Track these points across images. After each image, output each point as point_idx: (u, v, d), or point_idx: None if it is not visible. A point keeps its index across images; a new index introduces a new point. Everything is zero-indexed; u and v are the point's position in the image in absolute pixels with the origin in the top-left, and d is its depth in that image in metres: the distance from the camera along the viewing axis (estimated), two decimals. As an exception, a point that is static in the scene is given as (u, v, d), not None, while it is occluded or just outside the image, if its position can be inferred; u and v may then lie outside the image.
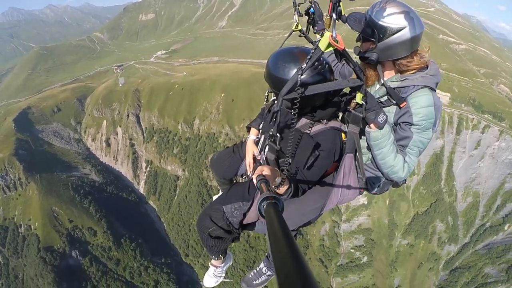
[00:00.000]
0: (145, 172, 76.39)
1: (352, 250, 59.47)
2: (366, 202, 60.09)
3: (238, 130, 64.42)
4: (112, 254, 56.12)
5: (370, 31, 1.97)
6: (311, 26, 2.06)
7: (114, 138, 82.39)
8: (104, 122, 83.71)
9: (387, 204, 60.56)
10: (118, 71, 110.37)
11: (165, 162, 73.39)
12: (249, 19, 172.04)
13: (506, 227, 56.11)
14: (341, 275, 58.05)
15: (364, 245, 59.04)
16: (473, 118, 60.14)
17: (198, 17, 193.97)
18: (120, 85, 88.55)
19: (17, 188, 60.76)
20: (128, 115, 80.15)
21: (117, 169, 79.39)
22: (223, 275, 3.01)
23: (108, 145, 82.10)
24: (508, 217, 56.11)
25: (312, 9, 1.99)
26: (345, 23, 1.87)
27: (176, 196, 69.07)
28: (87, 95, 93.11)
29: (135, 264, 56.56)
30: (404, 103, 2.01)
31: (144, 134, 78.21)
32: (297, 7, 1.97)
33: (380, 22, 1.91)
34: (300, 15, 2.01)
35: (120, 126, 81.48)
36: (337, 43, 1.55)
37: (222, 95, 68.16)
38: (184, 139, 71.53)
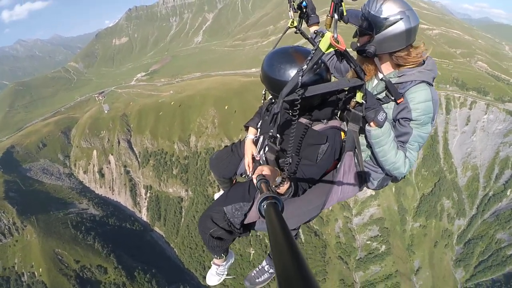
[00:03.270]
0: (145, 199, 71.50)
1: (368, 242, 57.76)
2: (373, 193, 58.56)
3: (238, 141, 61.24)
4: (127, 290, 51.00)
5: (367, 24, 1.88)
6: (303, 20, 2.05)
7: (107, 167, 76.89)
8: (94, 152, 78.16)
9: (394, 191, 59.63)
10: (100, 98, 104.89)
11: (166, 185, 68.95)
12: (224, 32, 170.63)
13: (508, 193, 57.69)
14: (362, 268, 56.22)
15: (380, 234, 57.50)
16: (460, 97, 60.84)
17: (173, 35, 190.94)
18: (106, 111, 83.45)
19: (13, 234, 55.15)
20: (119, 142, 75.21)
21: (115, 200, 74.08)
22: (225, 273, 2.92)
23: (102, 175, 76.49)
24: (508, 183, 57.38)
25: (304, 3, 1.99)
26: (347, 23, 1.75)
27: (182, 219, 64.95)
28: (71, 127, 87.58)
29: (153, 297, 51.72)
30: (401, 99, 1.92)
31: (139, 159, 73.52)
32: (292, 3, 1.90)
33: (376, 14, 1.84)
34: (295, 11, 1.93)
35: (112, 154, 76.30)
36: (338, 43, 1.52)
37: (226, 107, 64.76)
38: (182, 158, 67.51)
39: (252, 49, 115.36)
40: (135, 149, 74.37)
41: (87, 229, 57.91)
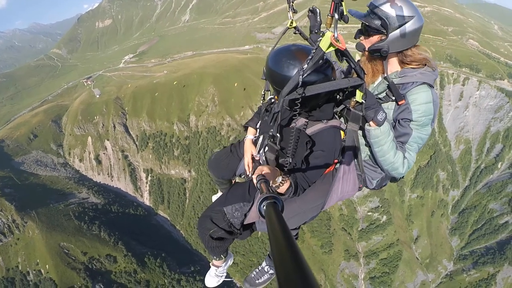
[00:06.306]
0: (146, 182, 66.42)
1: (369, 213, 57.07)
2: (372, 166, 56.67)
3: (240, 119, 57.28)
4: (139, 276, 47.74)
5: (380, 22, 1.75)
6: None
7: (104, 153, 70.35)
8: (89, 138, 71.09)
9: (391, 164, 57.89)
10: (89, 83, 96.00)
11: (167, 167, 63.93)
12: (212, 9, 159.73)
13: (499, 165, 58.79)
14: (365, 239, 55.93)
15: (380, 205, 56.65)
16: (453, 73, 59.69)
17: (158, 15, 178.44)
18: (97, 96, 75.68)
19: (13, 232, 49.99)
20: (114, 126, 68.67)
21: (115, 186, 68.52)
22: (224, 274, 2.75)
23: (99, 162, 70.14)
24: (499, 156, 58.37)
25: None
26: (346, 23, 1.65)
27: (187, 200, 60.72)
28: (61, 115, 79.49)
29: (166, 281, 48.93)
30: (403, 100, 1.82)
31: (137, 143, 67.72)
32: (291, 4, 1.84)
33: (390, 13, 1.70)
34: (294, 12, 1.84)
35: (107, 140, 69.87)
36: (338, 43, 1.46)
37: (236, 84, 59.31)
38: (183, 139, 62.50)
39: (243, 26, 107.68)
40: (131, 132, 68.42)
41: (91, 219, 53.49)
